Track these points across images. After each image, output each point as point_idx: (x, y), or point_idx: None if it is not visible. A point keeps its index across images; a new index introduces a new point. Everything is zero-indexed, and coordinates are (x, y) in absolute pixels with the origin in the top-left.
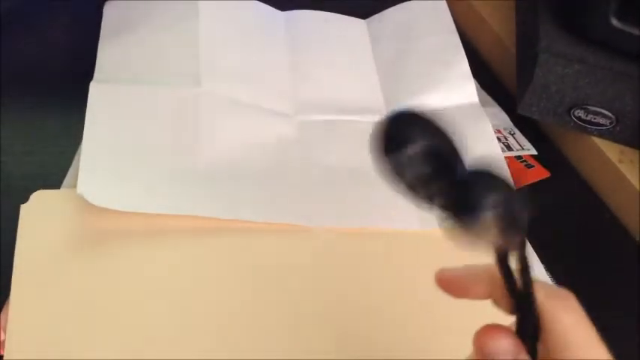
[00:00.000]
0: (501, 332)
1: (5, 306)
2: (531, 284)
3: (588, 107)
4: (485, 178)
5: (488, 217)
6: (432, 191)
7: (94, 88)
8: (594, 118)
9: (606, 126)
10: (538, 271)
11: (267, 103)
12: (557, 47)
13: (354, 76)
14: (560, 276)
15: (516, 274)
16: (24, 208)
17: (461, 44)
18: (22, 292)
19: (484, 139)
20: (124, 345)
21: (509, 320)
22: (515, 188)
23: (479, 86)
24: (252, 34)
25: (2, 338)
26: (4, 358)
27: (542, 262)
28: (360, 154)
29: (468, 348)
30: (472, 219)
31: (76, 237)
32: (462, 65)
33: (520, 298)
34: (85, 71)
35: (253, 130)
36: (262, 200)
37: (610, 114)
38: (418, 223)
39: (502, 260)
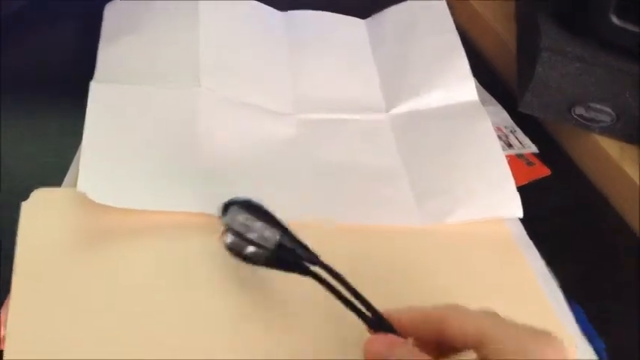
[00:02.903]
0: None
1: (6, 302)
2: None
3: (589, 104)
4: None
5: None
6: None
7: (93, 87)
8: (595, 116)
9: (607, 123)
10: (539, 266)
11: (267, 102)
12: (557, 45)
13: (354, 75)
14: (561, 272)
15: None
16: (24, 206)
17: (460, 43)
18: (22, 289)
19: (484, 136)
20: (124, 341)
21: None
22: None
23: (479, 85)
24: (251, 35)
25: (2, 334)
26: (5, 353)
27: (543, 257)
28: (359, 151)
29: None
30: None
31: (76, 234)
32: (462, 63)
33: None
34: (86, 72)
35: (253, 128)
36: (262, 198)
37: (611, 111)
38: (419, 219)
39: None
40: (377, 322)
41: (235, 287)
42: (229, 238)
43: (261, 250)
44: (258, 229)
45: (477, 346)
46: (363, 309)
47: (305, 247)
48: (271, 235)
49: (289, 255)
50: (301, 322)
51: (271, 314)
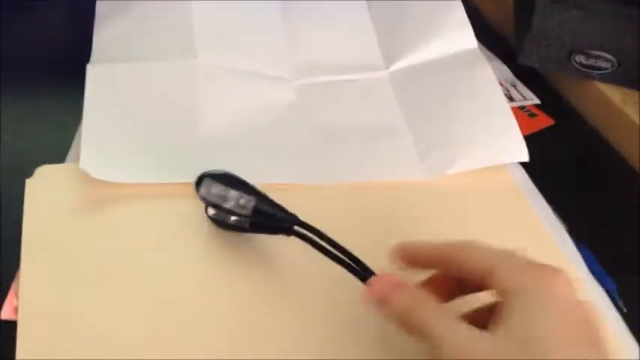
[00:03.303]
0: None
1: (17, 274)
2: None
3: (589, 52)
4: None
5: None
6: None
7: (91, 69)
8: (595, 62)
9: (608, 69)
10: (545, 211)
11: (265, 68)
12: None
13: (351, 36)
14: (569, 220)
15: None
16: (29, 183)
17: None
18: (30, 260)
19: (486, 84)
20: (130, 307)
21: None
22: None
23: (477, 42)
24: (245, 1)
25: (15, 304)
26: (19, 322)
27: (550, 204)
28: (360, 110)
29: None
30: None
31: (79, 207)
32: (458, 12)
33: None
34: (85, 53)
35: (253, 96)
36: (266, 163)
37: (611, 57)
38: (423, 174)
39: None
40: (365, 272)
41: (245, 250)
42: (212, 210)
43: (242, 218)
44: (234, 198)
45: (486, 277)
46: (352, 263)
47: (283, 210)
48: (247, 202)
49: (269, 219)
50: (297, 280)
51: (283, 271)
